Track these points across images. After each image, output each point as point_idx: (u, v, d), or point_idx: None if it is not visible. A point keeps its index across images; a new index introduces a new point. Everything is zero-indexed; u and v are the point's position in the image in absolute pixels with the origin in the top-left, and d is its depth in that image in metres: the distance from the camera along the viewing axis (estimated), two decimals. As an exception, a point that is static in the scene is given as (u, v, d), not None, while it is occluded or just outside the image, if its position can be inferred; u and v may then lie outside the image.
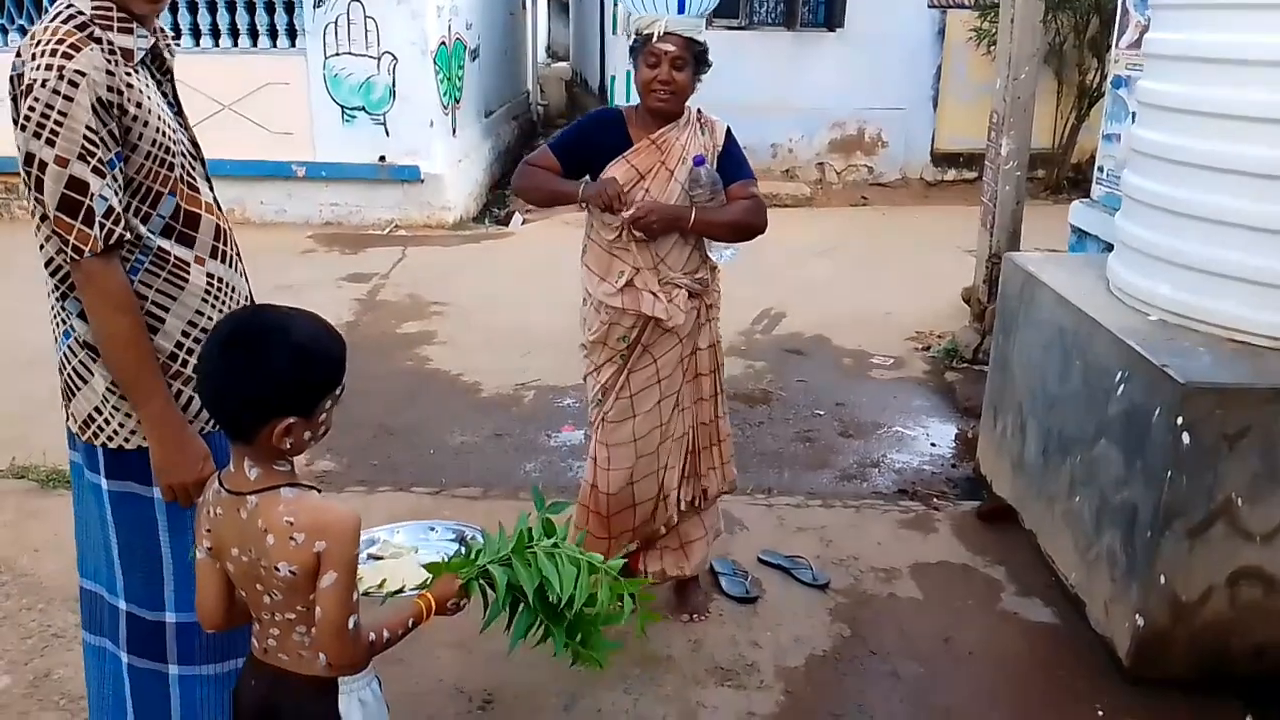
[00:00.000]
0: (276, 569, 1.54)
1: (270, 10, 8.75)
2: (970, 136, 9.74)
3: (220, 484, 1.61)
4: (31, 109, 1.70)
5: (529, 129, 13.80)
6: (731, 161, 2.92)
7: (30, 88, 1.70)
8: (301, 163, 8.92)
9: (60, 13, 1.78)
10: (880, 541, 3.62)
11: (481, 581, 1.76)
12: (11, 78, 1.75)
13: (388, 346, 5.84)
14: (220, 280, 1.98)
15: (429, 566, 1.79)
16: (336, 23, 8.68)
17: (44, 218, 1.76)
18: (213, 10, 8.72)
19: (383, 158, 8.92)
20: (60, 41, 1.71)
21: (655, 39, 2.73)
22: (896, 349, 5.81)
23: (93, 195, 1.72)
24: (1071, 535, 3.25)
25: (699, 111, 2.92)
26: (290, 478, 1.59)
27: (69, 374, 1.95)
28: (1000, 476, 3.93)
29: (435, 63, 8.90)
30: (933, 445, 4.62)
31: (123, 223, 1.78)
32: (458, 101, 9.65)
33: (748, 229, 2.87)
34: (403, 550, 1.94)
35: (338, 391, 1.60)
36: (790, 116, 10.71)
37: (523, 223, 9.38)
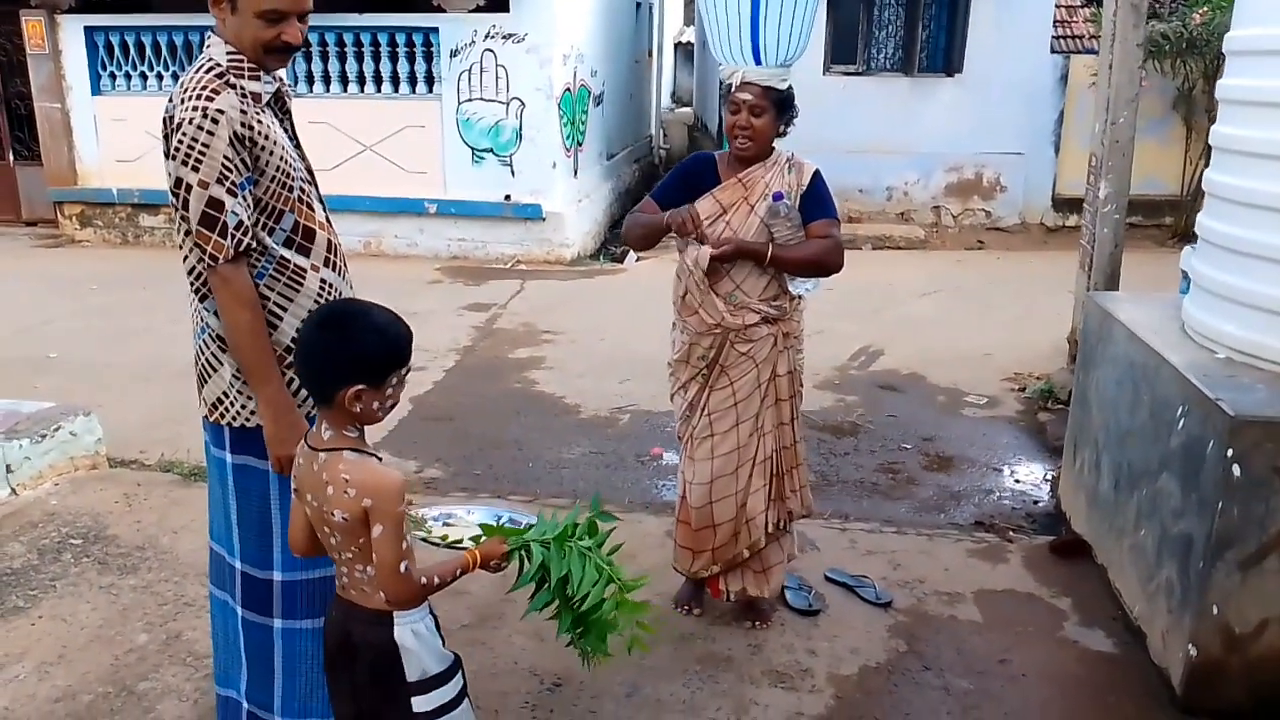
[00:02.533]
0: (333, 514, 1.86)
1: (411, 59, 9.43)
2: (1090, 181, 9.62)
3: (305, 440, 1.96)
4: (180, 142, 2.08)
5: (651, 171, 14.24)
6: (815, 201, 3.05)
7: (180, 125, 2.08)
8: (433, 200, 9.54)
9: (203, 65, 2.17)
10: (948, 568, 3.72)
11: (522, 553, 2.01)
12: (165, 119, 2.15)
13: (500, 369, 6.23)
14: (330, 285, 2.32)
15: (483, 527, 2.08)
16: (470, 70, 9.29)
17: (187, 232, 2.14)
18: (359, 60, 9.46)
19: (508, 196, 9.45)
20: (204, 88, 2.11)
21: (735, 88, 2.93)
22: (991, 388, 5.85)
23: (227, 211, 2.10)
24: (1136, 567, 3.30)
25: (791, 155, 3.09)
26: (356, 443, 1.90)
27: (203, 365, 2.32)
28: (1077, 511, 3.97)
29: (560, 108, 9.40)
30: (1016, 481, 4.66)
31: (250, 234, 2.15)
32: (580, 144, 10.13)
33: (821, 266, 3.02)
34: (469, 525, 2.21)
35: (404, 371, 1.92)
36: (907, 159, 10.80)
37: (636, 260, 9.73)
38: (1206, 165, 3.40)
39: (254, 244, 2.17)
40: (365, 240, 9.66)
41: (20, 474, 4.13)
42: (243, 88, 2.17)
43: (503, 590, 3.41)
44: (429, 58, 9.41)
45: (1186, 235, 9.96)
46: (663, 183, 3.19)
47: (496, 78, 9.27)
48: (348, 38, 9.40)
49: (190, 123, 2.08)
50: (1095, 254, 5.27)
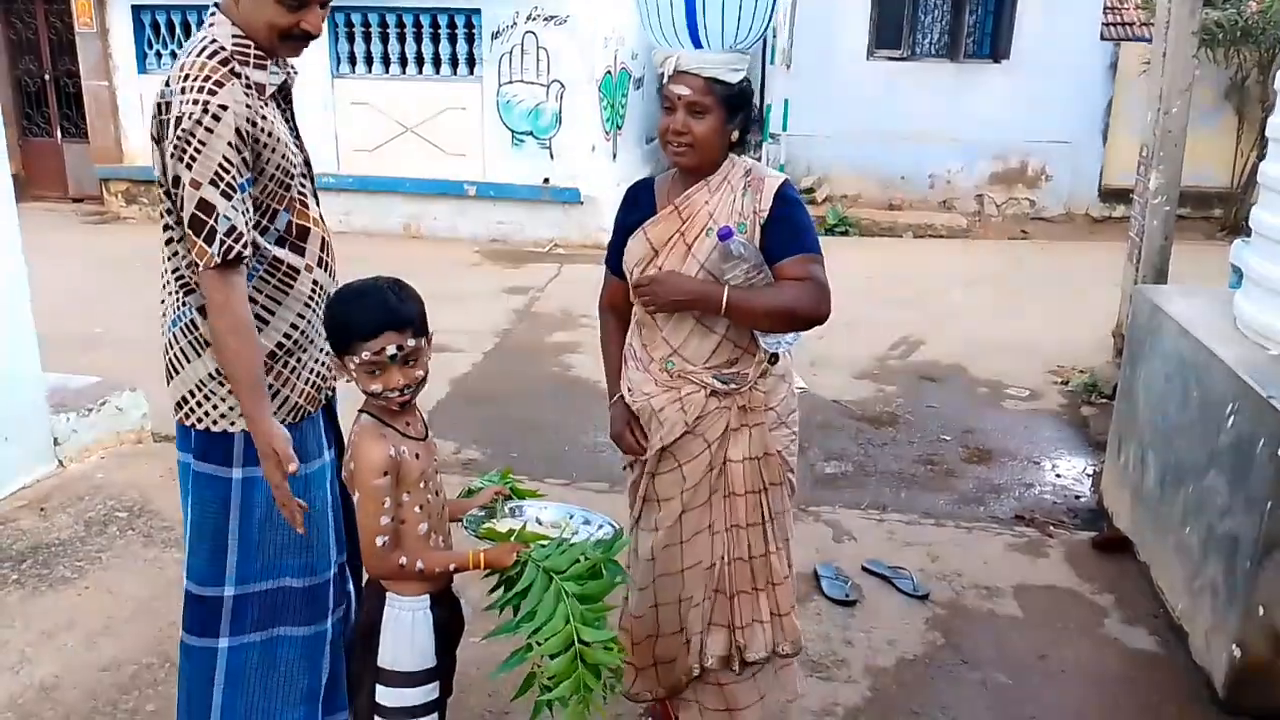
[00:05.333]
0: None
1: (452, 41, 9.45)
2: (1138, 172, 9.46)
3: None
4: (179, 136, 1.89)
5: (690, 156, 14.17)
6: (785, 230, 2.24)
7: (180, 119, 1.89)
8: (473, 182, 9.56)
9: (205, 47, 1.95)
10: (987, 561, 3.68)
11: (521, 565, 1.90)
12: (159, 104, 1.96)
13: (537, 353, 6.24)
14: (323, 288, 2.17)
15: (490, 533, 2.02)
16: (511, 53, 9.28)
17: (177, 222, 1.99)
18: (401, 41, 9.49)
19: (546, 180, 9.45)
20: (207, 78, 1.90)
21: (668, 79, 2.21)
22: (1034, 381, 5.78)
23: (217, 216, 1.90)
24: (1180, 565, 3.25)
25: (750, 167, 2.31)
26: (369, 406, 1.93)
27: (171, 359, 2.13)
28: (1120, 507, 3.92)
29: (600, 91, 9.37)
30: (1058, 476, 4.60)
31: (244, 242, 1.93)
32: (619, 128, 10.10)
33: (795, 319, 2.22)
34: (532, 520, 2.12)
35: (367, 355, 1.84)
36: (950, 147, 10.68)
37: (675, 245, 9.70)
38: (1259, 157, 3.33)
39: (247, 252, 1.95)
40: (405, 222, 9.71)
41: (67, 447, 4.21)
42: (247, 77, 1.97)
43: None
44: (470, 39, 9.42)
45: (1236, 228, 9.77)
46: (611, 240, 2.49)
47: (537, 60, 9.26)
48: (390, 19, 9.43)
49: (190, 117, 1.88)
50: (1144, 246, 5.19)
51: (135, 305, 7.22)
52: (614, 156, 9.97)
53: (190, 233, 1.90)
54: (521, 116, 9.42)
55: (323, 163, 8.74)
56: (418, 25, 9.45)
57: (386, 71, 9.61)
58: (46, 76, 11.25)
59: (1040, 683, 2.99)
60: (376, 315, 1.84)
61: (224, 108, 1.90)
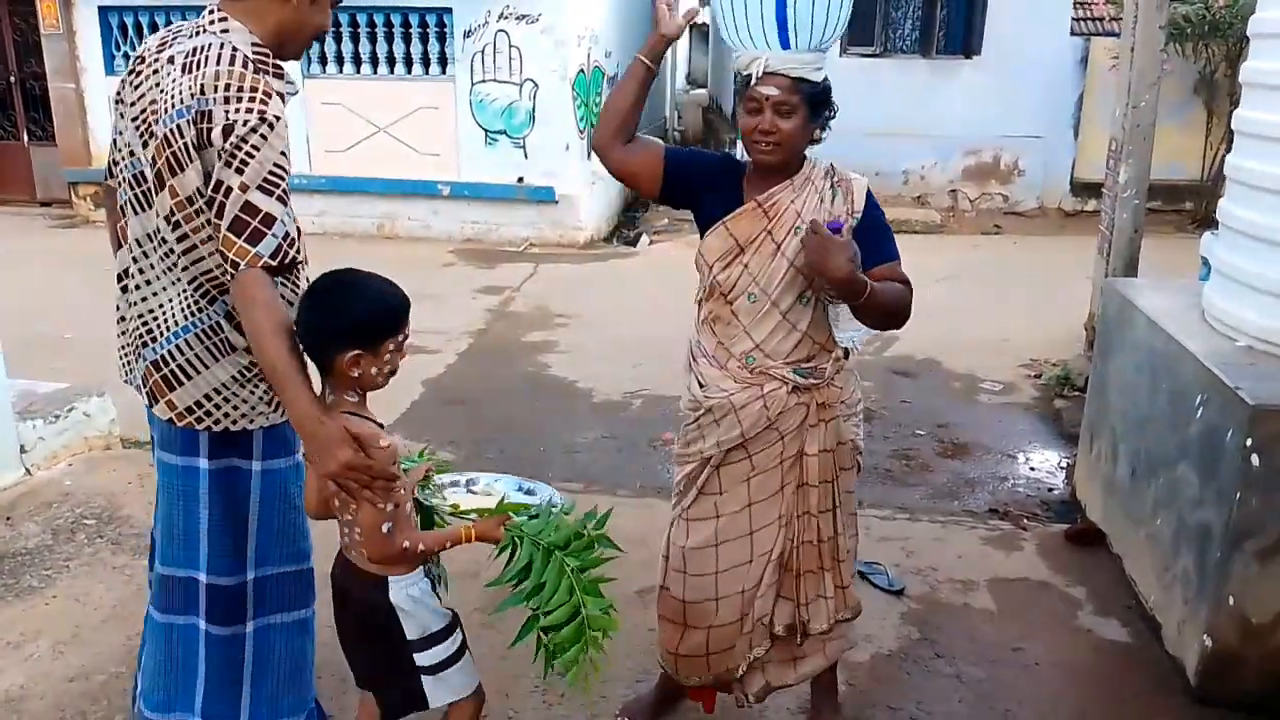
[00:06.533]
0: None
1: (424, 40, 9.40)
2: (1109, 166, 9.54)
3: None
4: (231, 144, 1.90)
5: (665, 153, 14.17)
6: (877, 234, 2.31)
7: (231, 127, 1.90)
8: (446, 182, 9.51)
9: (233, 56, 1.95)
10: (962, 555, 3.70)
11: (516, 541, 2.04)
12: (200, 112, 1.92)
13: (513, 353, 6.22)
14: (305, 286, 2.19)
15: (496, 509, 2.11)
16: (484, 51, 9.24)
17: (212, 227, 1.96)
18: (373, 40, 9.43)
19: (521, 179, 9.43)
20: (254, 89, 1.93)
21: (755, 80, 2.22)
22: (1007, 375, 5.81)
23: (268, 219, 1.92)
24: (1152, 557, 3.27)
25: (830, 167, 2.37)
26: (357, 408, 1.94)
27: (176, 367, 2.10)
28: (1093, 499, 3.94)
29: (574, 89, 9.35)
30: (1031, 469, 4.63)
31: (297, 247, 1.99)
32: (594, 126, 10.07)
33: (899, 319, 2.29)
34: (493, 493, 2.27)
35: (400, 338, 1.94)
36: (923, 143, 10.71)
37: (650, 243, 9.70)
38: (1228, 150, 3.35)
39: (301, 257, 2.02)
40: (379, 222, 9.65)
41: (35, 454, 4.15)
42: (269, 85, 2.00)
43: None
44: (442, 38, 9.37)
45: (1207, 221, 9.85)
46: (688, 149, 2.56)
47: (510, 59, 9.23)
48: (361, 18, 9.36)
49: (245, 125, 1.91)
50: (1114, 240, 5.22)
51: (104, 310, 7.11)
52: (588, 155, 9.94)
53: (230, 235, 1.91)
54: (495, 115, 9.39)
55: (295, 163, 8.59)
56: (389, 25, 9.39)
57: (358, 71, 9.55)
58: (12, 78, 11.10)
59: (1014, 675, 3.00)
60: (404, 300, 1.96)
61: (278, 118, 1.95)
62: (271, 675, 2.33)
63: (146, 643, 2.38)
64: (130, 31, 10.00)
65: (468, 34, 9.24)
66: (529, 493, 2.24)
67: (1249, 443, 2.66)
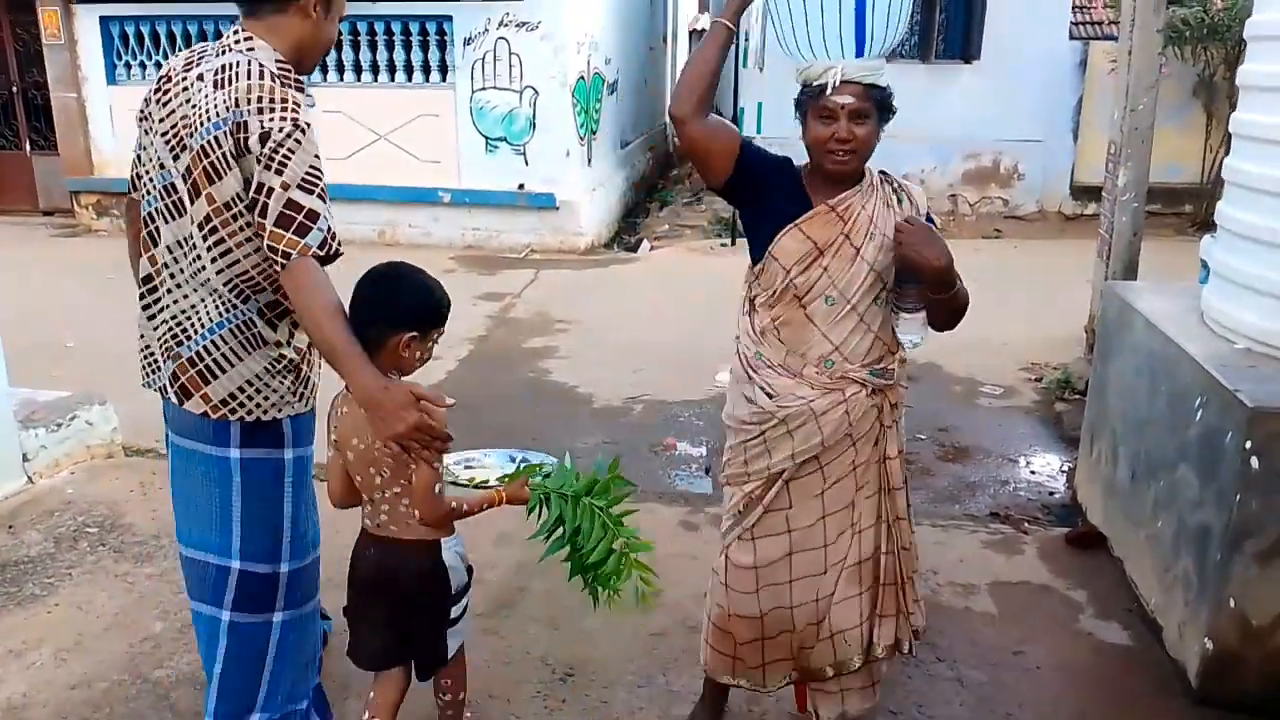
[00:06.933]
0: (384, 448, 2.07)
1: (425, 48, 9.43)
2: (1109, 169, 9.56)
3: (346, 390, 2.13)
4: (270, 149, 2.04)
5: (665, 160, 14.19)
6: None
7: (268, 134, 2.04)
8: (447, 189, 9.54)
9: (261, 71, 2.10)
10: (963, 559, 3.70)
11: (543, 499, 2.22)
12: (236, 123, 2.05)
13: (514, 358, 6.23)
14: None
15: (515, 474, 2.30)
16: (484, 59, 9.28)
17: (255, 226, 2.08)
18: (373, 48, 9.47)
19: (521, 186, 9.45)
20: (285, 100, 2.08)
21: (829, 89, 2.20)
22: (1008, 378, 5.82)
23: (312, 214, 2.06)
24: (1153, 559, 3.27)
25: (883, 173, 2.39)
26: None
27: (209, 363, 2.21)
28: (1093, 502, 3.94)
29: (574, 96, 9.38)
30: (1032, 473, 4.63)
31: (338, 240, 2.12)
32: (594, 133, 10.10)
33: (961, 318, 2.34)
34: (489, 466, 2.45)
35: (441, 330, 2.18)
36: (923, 146, 10.71)
37: (650, 249, 9.71)
38: (1227, 153, 3.35)
39: (343, 251, 2.14)
40: (379, 229, 9.67)
41: (37, 462, 4.16)
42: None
43: (517, 580, 3.44)
44: (442, 46, 9.41)
45: (1206, 224, 9.87)
46: (757, 147, 2.39)
47: (510, 66, 9.25)
48: (361, 26, 9.40)
49: (281, 132, 2.05)
50: (1114, 243, 5.23)
51: (106, 318, 7.15)
52: (589, 161, 9.98)
53: (278, 229, 2.04)
54: (495, 122, 9.41)
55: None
56: (389, 33, 9.43)
57: (359, 79, 9.58)
58: (14, 88, 11.15)
59: (1015, 678, 3.00)
60: (449, 298, 2.20)
61: (309, 125, 2.11)
62: (290, 663, 2.39)
63: (197, 631, 2.42)
64: (131, 41, 10.04)
65: (468, 41, 9.27)
66: (522, 460, 2.40)
67: (1248, 445, 2.66)
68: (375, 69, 9.54)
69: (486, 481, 2.31)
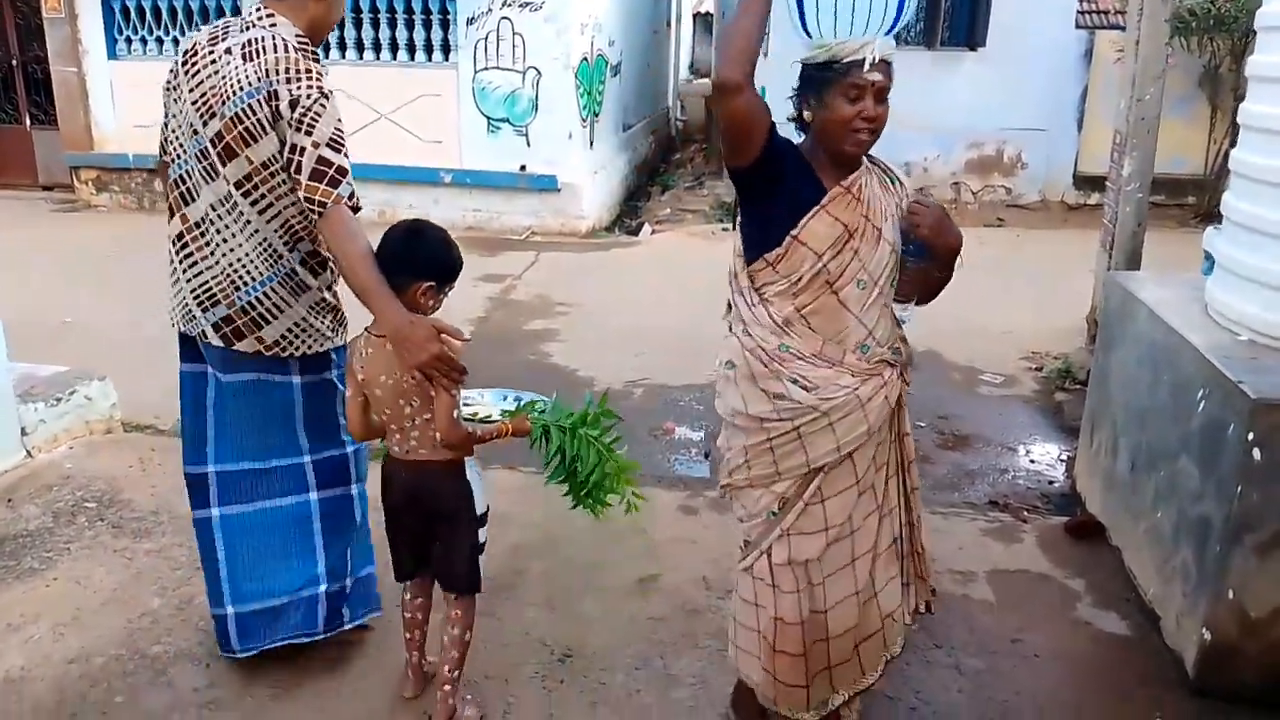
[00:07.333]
0: (413, 379, 2.33)
1: (427, 26, 9.36)
2: (1113, 159, 9.53)
3: (369, 332, 2.41)
4: (301, 113, 2.36)
5: (667, 143, 14.14)
6: None
7: (297, 100, 2.36)
8: (448, 170, 9.49)
9: (286, 43, 2.41)
10: (962, 547, 3.70)
11: (544, 433, 2.51)
12: (269, 92, 2.36)
13: (513, 341, 6.22)
14: None
15: (516, 409, 2.57)
16: (487, 39, 9.21)
17: (292, 182, 2.39)
18: (375, 26, 9.40)
19: (523, 167, 9.40)
20: (310, 70, 2.41)
21: (864, 67, 2.11)
22: (1008, 367, 5.81)
23: (342, 170, 2.37)
24: (1152, 550, 3.27)
25: (869, 155, 2.31)
26: None
27: (259, 312, 2.57)
28: (1093, 492, 3.95)
29: (577, 77, 9.32)
30: (1031, 462, 4.63)
31: (356, 196, 2.41)
32: (597, 115, 10.05)
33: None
34: (486, 404, 2.68)
35: (454, 283, 2.43)
36: (927, 134, 10.66)
37: (652, 233, 9.69)
38: (1231, 144, 3.33)
39: (362, 206, 2.44)
40: (379, 209, 9.58)
41: (35, 437, 4.15)
42: None
43: (514, 562, 3.44)
44: (445, 25, 9.35)
45: (1210, 215, 9.84)
46: (767, 116, 2.21)
47: (513, 46, 9.19)
48: (364, 4, 9.33)
49: (309, 98, 2.37)
50: (1117, 233, 5.22)
51: (105, 294, 7.15)
52: (590, 144, 9.93)
53: (312, 182, 2.34)
54: (497, 103, 9.36)
55: (296, 150, 8.64)
56: (391, 11, 9.36)
57: (360, 58, 9.52)
58: (14, 62, 11.08)
59: (1014, 667, 3.00)
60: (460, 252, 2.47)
61: (332, 91, 2.42)
62: (360, 529, 2.90)
63: (232, 546, 2.76)
64: (133, 15, 9.97)
65: (471, 21, 9.21)
66: (517, 399, 2.66)
67: (1250, 436, 2.66)
68: (377, 47, 9.47)
69: (489, 416, 2.56)
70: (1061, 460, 4.62)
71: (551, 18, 9.05)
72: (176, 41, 9.91)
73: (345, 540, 2.85)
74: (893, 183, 2.32)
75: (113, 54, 10.09)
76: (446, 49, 9.39)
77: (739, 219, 2.33)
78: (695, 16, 20.05)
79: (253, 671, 2.84)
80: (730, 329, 2.35)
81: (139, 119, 9.98)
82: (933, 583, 2.59)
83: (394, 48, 9.46)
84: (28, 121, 11.27)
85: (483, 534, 2.57)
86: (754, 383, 2.26)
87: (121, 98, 10.12)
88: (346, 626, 2.88)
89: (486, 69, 9.28)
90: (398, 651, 2.82)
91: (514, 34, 9.15)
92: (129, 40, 10.08)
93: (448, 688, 2.60)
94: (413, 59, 9.47)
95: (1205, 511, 2.89)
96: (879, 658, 2.44)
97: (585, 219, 9.56)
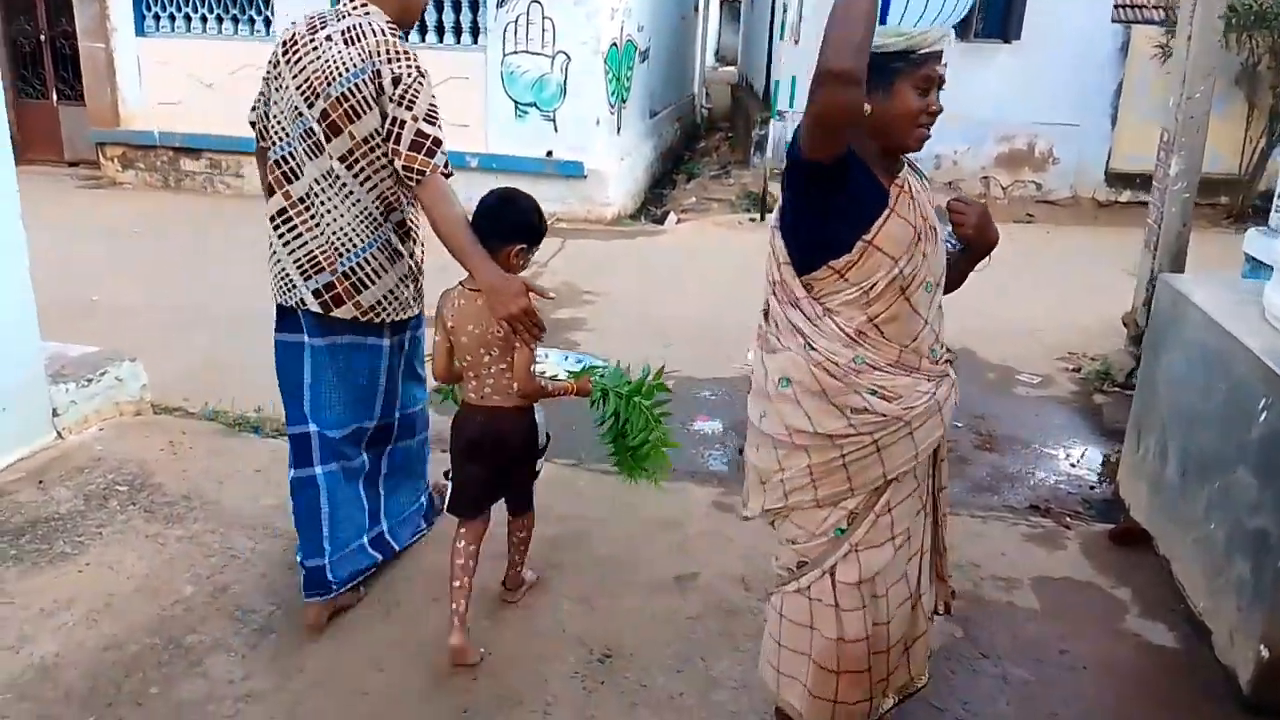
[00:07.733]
0: (498, 332, 2.62)
1: (456, 9, 9.28)
2: (1150, 157, 9.34)
3: (462, 285, 2.68)
4: (402, 91, 2.63)
5: (692, 131, 14.04)
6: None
7: (399, 78, 2.63)
8: (475, 154, 9.42)
9: (382, 29, 2.70)
10: (1004, 552, 3.63)
11: (601, 396, 2.89)
12: (376, 70, 2.62)
13: (541, 330, 6.15)
14: None
15: (581, 371, 2.95)
16: (516, 22, 9.13)
17: (392, 153, 2.66)
18: (405, 7, 9.32)
19: (550, 152, 9.33)
20: (405, 52, 2.68)
21: (935, 59, 2.02)
22: (1045, 367, 5.72)
23: (439, 143, 2.66)
24: (1203, 561, 3.20)
25: None
26: None
27: (359, 277, 2.84)
28: (1138, 499, 3.86)
29: (606, 63, 9.24)
30: (1072, 465, 4.55)
31: (449, 166, 2.70)
32: (624, 101, 9.97)
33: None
34: (551, 364, 3.03)
35: (539, 245, 2.71)
36: (957, 127, 10.50)
37: (677, 222, 9.61)
38: (1268, 143, 3.24)
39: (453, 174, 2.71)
40: (405, 192, 9.58)
41: (66, 418, 4.12)
42: None
43: (550, 557, 3.39)
44: (474, 8, 9.27)
45: (1243, 215, 9.70)
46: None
47: (543, 30, 9.11)
48: (393, -15, 9.25)
49: (409, 77, 2.65)
50: (1162, 233, 5.12)
51: (131, 272, 7.13)
52: (618, 130, 9.85)
53: (411, 153, 2.63)
54: (525, 87, 9.28)
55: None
56: (421, -8, 9.28)
57: (389, 39, 9.45)
58: (42, 37, 11.06)
59: (1060, 678, 2.94)
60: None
61: (426, 71, 2.69)
62: (427, 464, 3.44)
63: (333, 500, 3.00)
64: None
65: (500, 4, 9.12)
66: (579, 361, 2.99)
67: (1318, 449, 2.58)
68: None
69: (556, 376, 2.91)
70: (1103, 465, 4.53)
71: (582, 2, 8.96)
72: (204, 20, 9.87)
73: (413, 482, 3.34)
74: (921, 177, 2.23)
75: (141, 31, 10.05)
76: (476, 32, 9.32)
77: (783, 221, 2.14)
78: (721, 3, 19.87)
79: (289, 662, 2.80)
80: (775, 342, 2.16)
81: (166, 96, 9.96)
82: (951, 584, 2.52)
83: (423, 29, 9.38)
84: (54, 97, 11.25)
85: (540, 464, 2.92)
86: (824, 399, 2.09)
87: (149, 75, 10.09)
88: (400, 548, 3.29)
89: (515, 53, 9.20)
90: (434, 644, 2.79)
91: (544, 17, 9.07)
92: (157, 17, 10.04)
93: (517, 569, 3.10)
94: (441, 41, 9.40)
95: (1263, 524, 2.81)
96: (925, 660, 2.40)
97: (611, 205, 9.49)
